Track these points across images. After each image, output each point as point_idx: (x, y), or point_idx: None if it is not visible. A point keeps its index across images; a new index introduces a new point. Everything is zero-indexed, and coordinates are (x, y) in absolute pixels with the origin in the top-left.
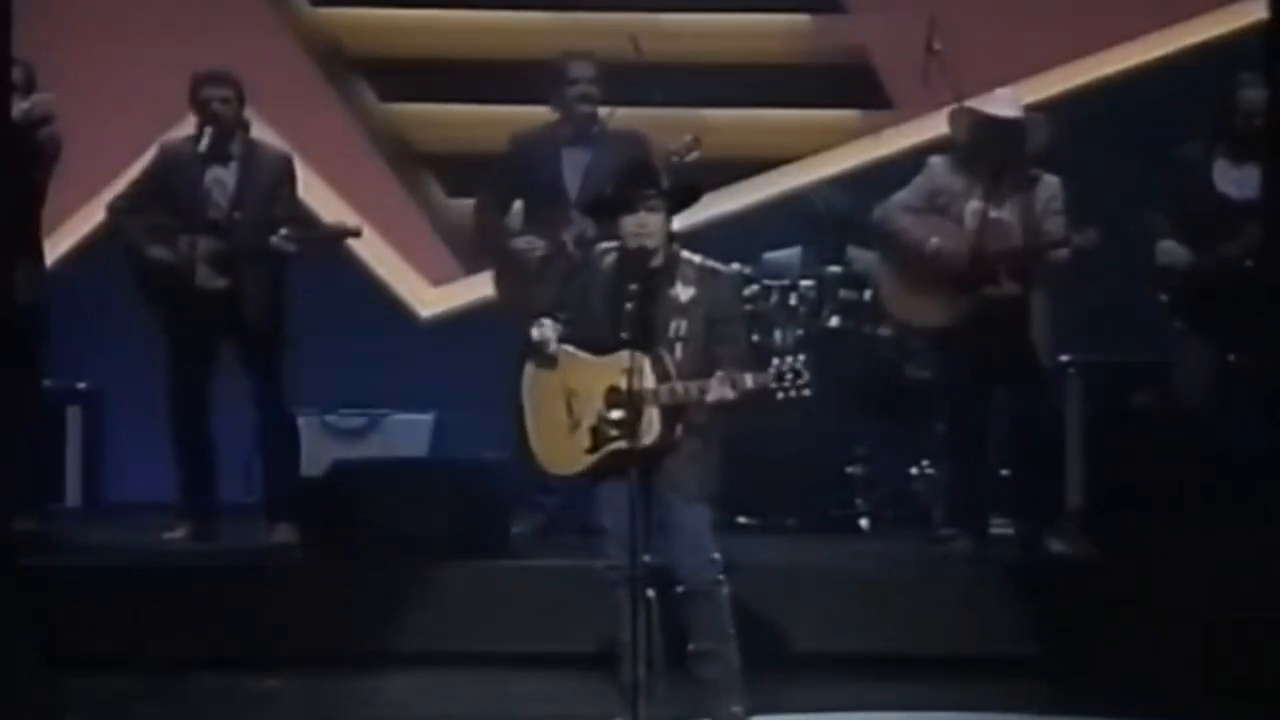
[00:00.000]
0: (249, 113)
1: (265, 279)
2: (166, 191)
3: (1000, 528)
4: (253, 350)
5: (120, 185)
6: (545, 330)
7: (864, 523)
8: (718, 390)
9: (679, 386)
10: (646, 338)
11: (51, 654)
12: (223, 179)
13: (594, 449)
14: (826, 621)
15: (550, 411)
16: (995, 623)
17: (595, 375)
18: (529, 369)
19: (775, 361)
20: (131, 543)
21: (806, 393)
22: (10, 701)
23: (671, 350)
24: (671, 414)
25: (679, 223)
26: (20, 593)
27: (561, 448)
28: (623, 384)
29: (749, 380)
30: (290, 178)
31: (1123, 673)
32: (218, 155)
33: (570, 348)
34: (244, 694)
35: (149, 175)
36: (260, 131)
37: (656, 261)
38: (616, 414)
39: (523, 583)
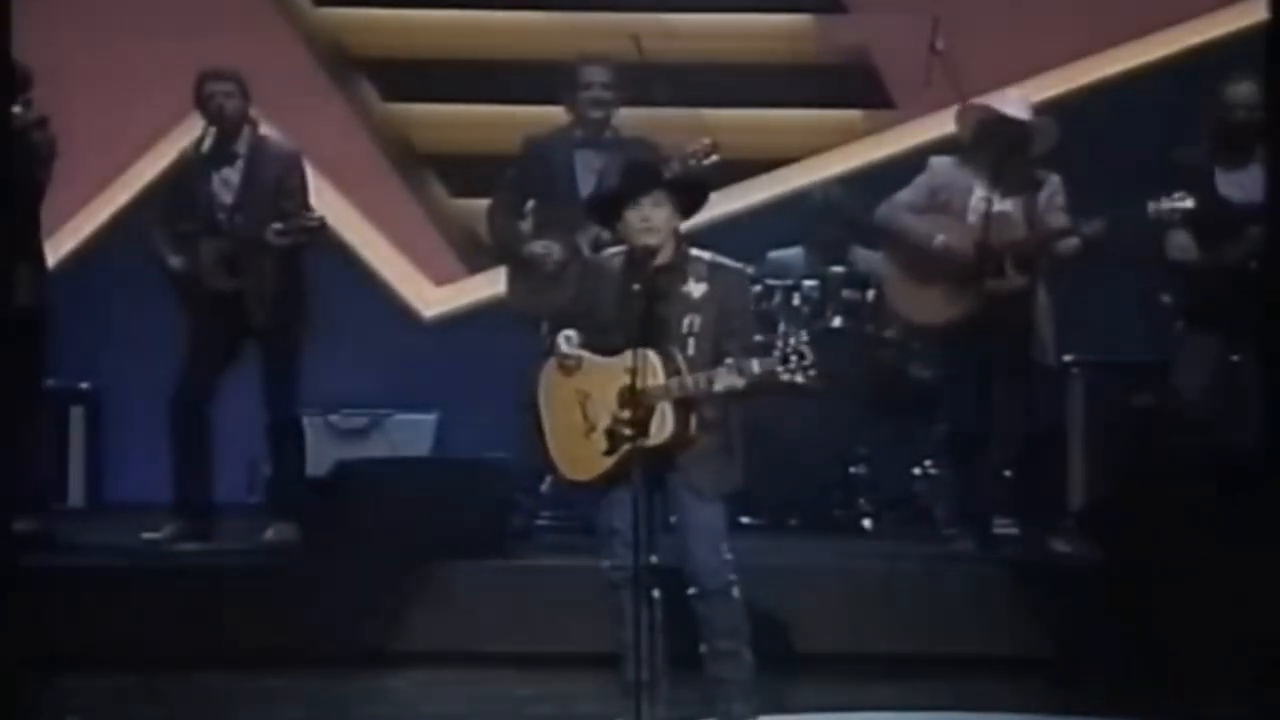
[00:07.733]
0: (254, 111)
1: (276, 279)
2: (183, 196)
3: (1003, 528)
4: (264, 351)
5: (120, 186)
6: (567, 340)
7: (867, 523)
8: (725, 379)
9: (688, 380)
10: (659, 335)
11: (51, 653)
12: (229, 178)
13: (612, 451)
14: (829, 622)
15: (566, 418)
16: (997, 623)
17: (608, 377)
18: (543, 377)
19: (779, 344)
20: (132, 543)
21: (812, 373)
22: (10, 701)
23: (684, 347)
24: (684, 409)
25: (687, 225)
26: (20, 593)
27: (579, 454)
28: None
29: (755, 365)
30: (296, 171)
31: (1123, 673)
32: (223, 155)
33: (584, 352)
34: (244, 694)
35: (168, 182)
36: (263, 131)
37: (664, 258)
38: (629, 413)
39: (523, 583)
